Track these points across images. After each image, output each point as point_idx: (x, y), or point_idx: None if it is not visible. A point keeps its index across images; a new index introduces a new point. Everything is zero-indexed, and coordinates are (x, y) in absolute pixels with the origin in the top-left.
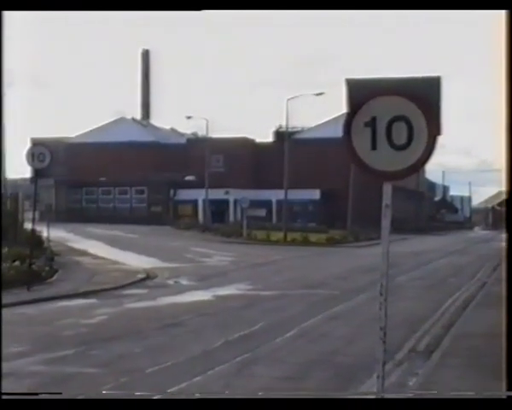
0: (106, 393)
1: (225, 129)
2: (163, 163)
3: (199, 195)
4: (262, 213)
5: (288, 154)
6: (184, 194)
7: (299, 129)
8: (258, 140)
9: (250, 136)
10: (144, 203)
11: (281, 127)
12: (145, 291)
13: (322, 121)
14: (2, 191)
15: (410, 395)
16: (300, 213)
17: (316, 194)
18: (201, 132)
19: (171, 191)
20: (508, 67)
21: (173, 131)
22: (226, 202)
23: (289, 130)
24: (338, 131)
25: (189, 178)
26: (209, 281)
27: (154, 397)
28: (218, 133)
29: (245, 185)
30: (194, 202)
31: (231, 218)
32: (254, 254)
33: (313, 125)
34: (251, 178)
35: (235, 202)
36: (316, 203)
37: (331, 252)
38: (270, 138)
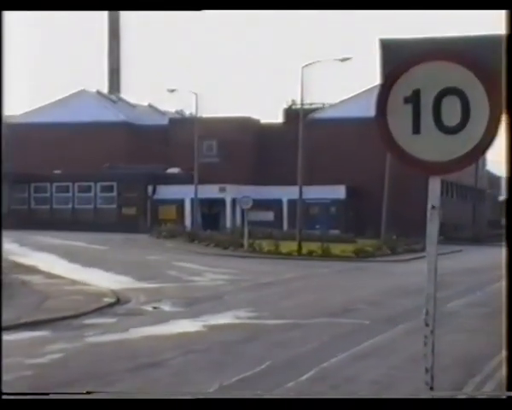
0: (106, 393)
1: (221, 107)
2: (138, 151)
3: (186, 192)
4: (269, 216)
5: (303, 138)
6: (167, 191)
7: (318, 106)
8: (263, 121)
9: (253, 115)
10: (113, 204)
11: (294, 104)
12: (114, 320)
13: (349, 96)
14: None
15: (408, 396)
16: (320, 216)
17: (340, 191)
18: (189, 111)
19: (150, 188)
20: (507, 67)
21: (151, 108)
22: (222, 201)
23: (305, 107)
24: (369, 110)
25: (173, 170)
26: (199, 306)
27: (154, 397)
28: (210, 112)
29: (246, 180)
30: (180, 203)
31: (228, 223)
32: (259, 270)
33: (337, 102)
34: (254, 170)
35: (234, 202)
36: (340, 204)
37: (360, 268)
38: (279, 118)
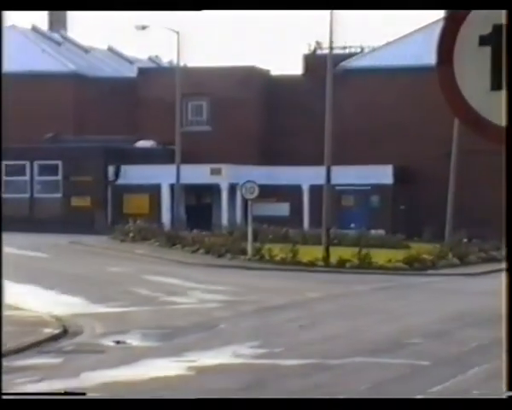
0: (106, 393)
1: (214, 52)
2: (94, 115)
3: (163, 176)
4: (283, 210)
5: (332, 97)
6: (135, 174)
7: (354, 50)
8: (275, 72)
9: (260, 65)
10: (58, 192)
11: (319, 47)
12: (59, 361)
13: (399, 36)
14: None
15: (408, 396)
16: (356, 210)
17: (385, 174)
18: (168, 58)
19: (111, 169)
20: (507, 68)
21: (113, 53)
22: (215, 189)
23: (336, 52)
24: (428, 55)
25: (145, 143)
26: (183, 340)
27: (154, 397)
28: (199, 60)
29: (250, 158)
30: (155, 190)
31: (224, 220)
32: (268, 288)
33: (381, 44)
34: (262, 143)
35: (233, 189)
36: (385, 192)
37: (415, 285)
38: (298, 69)
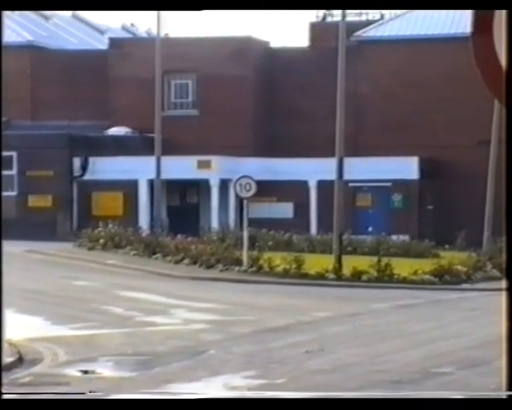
0: (106, 393)
1: (202, 20)
2: (56, 95)
3: (140, 169)
4: (286, 211)
5: (345, 73)
6: (106, 167)
7: (372, 16)
8: (275, 44)
9: (258, 35)
10: (12, 190)
11: (329, 13)
12: (12, 397)
13: None
14: None
15: (409, 395)
16: (374, 211)
17: (410, 167)
18: (145, 27)
19: (76, 162)
20: (507, 68)
21: (78, 20)
22: (203, 185)
23: (350, 19)
24: (460, 23)
25: (117, 130)
26: (163, 369)
27: (154, 397)
28: (184, 30)
29: (245, 148)
30: (130, 187)
31: (214, 222)
32: (268, 306)
33: (404, 10)
34: (259, 130)
35: (224, 185)
36: (410, 189)
37: (445, 302)
38: (303, 41)
